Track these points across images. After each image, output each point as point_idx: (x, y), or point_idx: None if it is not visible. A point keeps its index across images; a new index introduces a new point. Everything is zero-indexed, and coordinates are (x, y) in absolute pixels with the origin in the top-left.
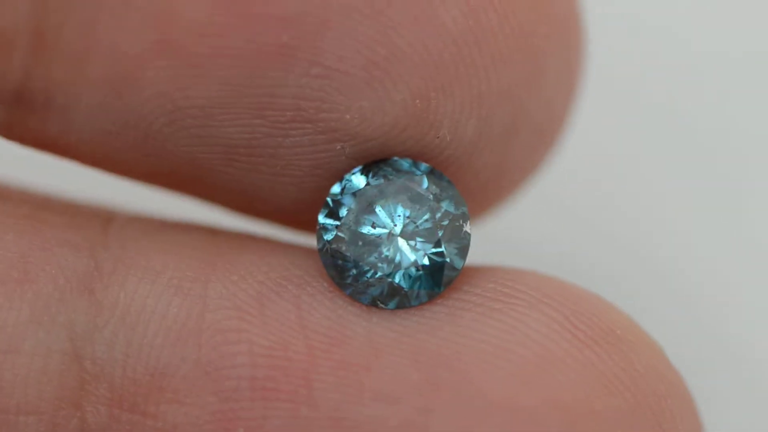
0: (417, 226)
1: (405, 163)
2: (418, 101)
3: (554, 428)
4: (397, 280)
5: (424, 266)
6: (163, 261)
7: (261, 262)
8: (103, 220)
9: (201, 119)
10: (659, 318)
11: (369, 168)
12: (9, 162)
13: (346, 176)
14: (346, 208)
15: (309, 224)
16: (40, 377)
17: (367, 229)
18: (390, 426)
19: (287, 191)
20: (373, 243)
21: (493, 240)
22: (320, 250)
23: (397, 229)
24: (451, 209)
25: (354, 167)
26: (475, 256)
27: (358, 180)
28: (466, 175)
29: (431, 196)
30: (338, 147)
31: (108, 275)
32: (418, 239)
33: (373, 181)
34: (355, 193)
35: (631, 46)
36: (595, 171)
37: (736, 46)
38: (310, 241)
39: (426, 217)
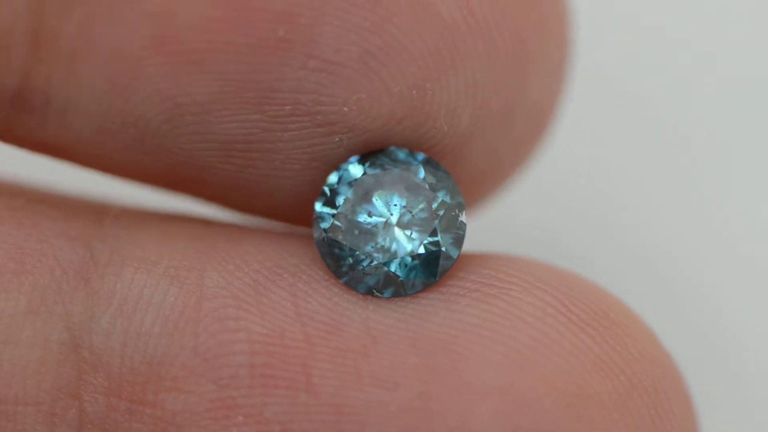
0: (413, 216)
1: (402, 153)
2: (414, 92)
3: (551, 411)
4: (392, 268)
5: (419, 255)
6: (159, 251)
7: (256, 251)
8: (98, 212)
9: (199, 116)
10: (651, 305)
11: (366, 157)
12: (4, 157)
13: (343, 165)
14: (342, 198)
15: (307, 218)
16: (38, 367)
17: (363, 219)
18: (389, 411)
19: (285, 185)
20: (370, 232)
21: (487, 227)
22: (317, 239)
23: (394, 219)
24: (447, 199)
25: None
26: (469, 244)
27: (355, 169)
28: (462, 164)
29: (428, 185)
30: (336, 139)
31: (104, 266)
32: (414, 229)
33: (369, 171)
34: (352, 183)
35: (620, 35)
36: (588, 159)
37: (728, 39)
38: (304, 231)
39: (422, 206)
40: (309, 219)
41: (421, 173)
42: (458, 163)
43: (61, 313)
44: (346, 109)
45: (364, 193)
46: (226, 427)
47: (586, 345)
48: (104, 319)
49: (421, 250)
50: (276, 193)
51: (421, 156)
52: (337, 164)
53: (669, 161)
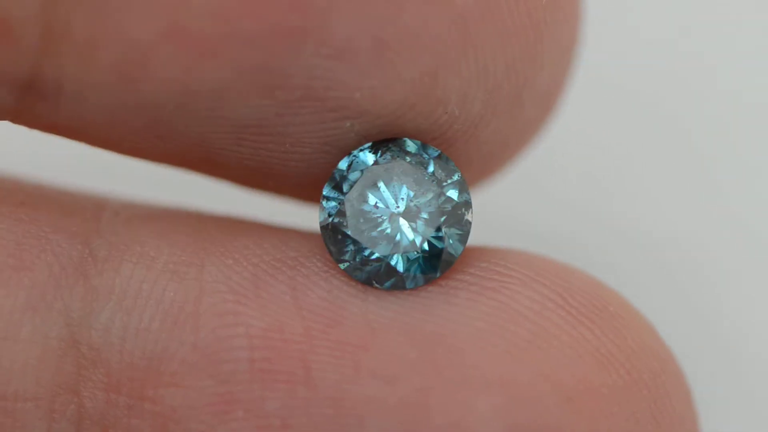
0: (419, 209)
1: (414, 145)
2: (426, 78)
3: (551, 405)
4: (393, 262)
5: (422, 250)
6: (157, 246)
7: (254, 245)
8: (96, 207)
9: (211, 102)
10: (649, 298)
11: (378, 146)
12: (2, 154)
13: (354, 152)
14: (351, 184)
15: (318, 197)
16: (38, 364)
17: (369, 207)
18: (389, 405)
19: (297, 167)
20: (375, 221)
21: (486, 220)
22: (321, 222)
23: (400, 210)
24: (455, 196)
25: (363, 143)
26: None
27: (366, 157)
28: (473, 147)
29: (436, 181)
30: (347, 124)
31: (103, 261)
32: (420, 222)
33: (380, 160)
34: (362, 170)
35: (624, 21)
36: (586, 150)
37: (733, 26)
38: (302, 223)
39: (429, 201)
40: (320, 200)
41: (431, 167)
42: (469, 147)
43: (60, 309)
44: (358, 95)
45: (372, 182)
46: (226, 422)
47: (585, 338)
48: (103, 315)
49: (425, 245)
50: (288, 175)
51: (432, 150)
52: (349, 149)
53: (667, 152)
